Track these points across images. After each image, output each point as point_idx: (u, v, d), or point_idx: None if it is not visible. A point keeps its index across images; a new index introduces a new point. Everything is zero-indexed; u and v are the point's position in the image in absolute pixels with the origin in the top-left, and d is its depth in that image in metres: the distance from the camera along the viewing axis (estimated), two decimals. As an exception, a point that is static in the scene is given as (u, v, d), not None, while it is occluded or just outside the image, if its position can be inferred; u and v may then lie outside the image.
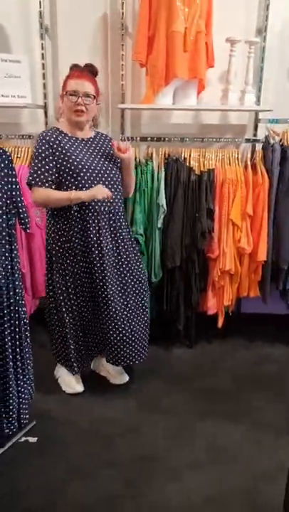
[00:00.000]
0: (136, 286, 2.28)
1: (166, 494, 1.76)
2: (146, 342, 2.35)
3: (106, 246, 2.13)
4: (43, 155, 2.03)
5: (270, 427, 2.14)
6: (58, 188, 2.07)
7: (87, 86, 2.04)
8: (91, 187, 2.05)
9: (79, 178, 2.04)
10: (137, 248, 2.34)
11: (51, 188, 2.05)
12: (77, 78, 2.04)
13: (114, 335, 2.21)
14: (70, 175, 2.04)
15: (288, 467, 1.55)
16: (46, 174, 2.03)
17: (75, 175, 2.03)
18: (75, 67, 2.11)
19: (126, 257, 2.24)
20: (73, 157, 2.05)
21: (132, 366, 2.59)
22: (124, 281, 2.23)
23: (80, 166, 2.04)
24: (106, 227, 2.13)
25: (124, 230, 2.23)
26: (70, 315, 2.23)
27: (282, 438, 2.07)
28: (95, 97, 2.07)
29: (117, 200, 2.16)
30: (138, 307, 2.29)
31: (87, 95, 2.04)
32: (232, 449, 2.00)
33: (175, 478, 1.83)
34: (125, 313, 2.23)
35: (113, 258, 2.19)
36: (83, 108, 2.04)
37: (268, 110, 2.68)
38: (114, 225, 2.17)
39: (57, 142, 2.05)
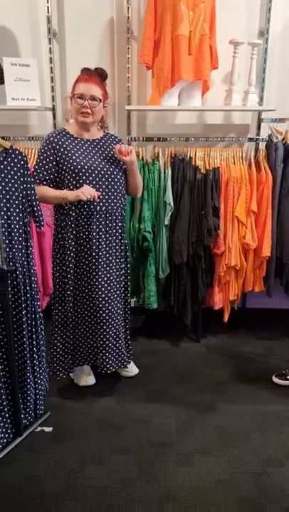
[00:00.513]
0: (120, 290, 2.34)
1: (179, 477, 1.84)
2: (127, 347, 2.48)
3: (98, 246, 2.18)
4: (44, 155, 2.12)
5: (275, 416, 2.23)
6: (60, 186, 2.15)
7: (94, 89, 2.09)
8: (88, 186, 2.11)
9: (77, 178, 2.10)
10: (127, 253, 2.38)
11: (49, 186, 2.14)
12: (85, 82, 2.10)
13: (100, 338, 2.30)
14: (70, 174, 2.11)
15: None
16: (45, 173, 2.12)
17: (74, 174, 2.10)
18: (84, 71, 2.18)
19: (115, 258, 2.27)
20: (74, 157, 2.11)
21: (142, 360, 2.69)
22: (110, 284, 2.27)
23: (79, 166, 2.10)
24: (100, 227, 2.18)
25: (118, 231, 2.27)
26: (61, 314, 2.30)
27: (286, 427, 2.15)
28: (101, 100, 2.13)
29: (116, 201, 2.21)
30: (120, 312, 2.36)
31: (93, 98, 2.09)
32: (240, 437, 2.08)
33: (186, 463, 1.91)
34: (109, 314, 2.29)
35: (104, 259, 2.23)
36: (89, 110, 2.10)
37: (271, 110, 2.76)
38: (110, 224, 2.22)
39: (60, 143, 2.12)
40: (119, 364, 2.39)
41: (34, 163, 2.19)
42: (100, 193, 2.12)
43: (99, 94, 2.11)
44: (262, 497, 1.75)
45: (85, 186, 2.09)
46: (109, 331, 2.29)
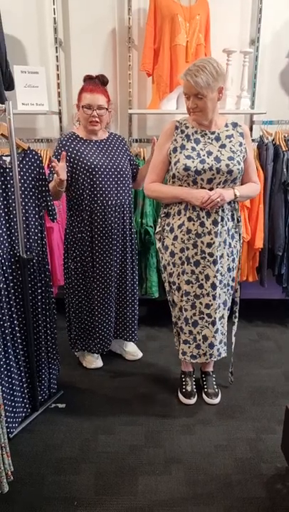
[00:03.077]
0: (131, 274, 2.59)
1: (182, 443, 2.05)
2: (135, 325, 2.69)
3: (112, 236, 2.41)
4: (58, 157, 2.28)
5: (268, 390, 2.44)
6: (74, 185, 2.33)
7: (100, 99, 2.26)
8: (102, 183, 2.31)
9: (91, 176, 2.30)
10: (135, 241, 2.63)
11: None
12: (91, 92, 2.25)
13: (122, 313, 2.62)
14: (84, 173, 2.30)
15: (284, 418, 1.85)
16: None
17: (88, 173, 2.29)
18: (88, 80, 2.32)
19: (127, 245, 2.51)
20: (87, 157, 2.30)
21: (146, 345, 2.89)
22: (123, 268, 2.54)
23: (92, 166, 2.29)
24: (112, 218, 2.39)
25: (128, 222, 2.49)
26: (76, 299, 2.52)
27: (280, 399, 2.36)
28: (107, 108, 2.30)
29: (124, 194, 2.41)
30: (130, 291, 2.62)
31: (100, 108, 2.26)
32: (237, 409, 2.30)
33: (189, 432, 2.12)
34: (125, 294, 2.60)
35: (120, 247, 2.48)
36: (97, 119, 2.28)
37: (262, 113, 2.99)
38: (120, 216, 2.43)
39: (72, 146, 2.31)
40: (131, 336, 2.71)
41: (44, 164, 2.38)
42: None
43: (104, 103, 2.28)
44: (257, 458, 1.96)
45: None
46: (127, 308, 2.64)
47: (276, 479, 1.85)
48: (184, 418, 2.23)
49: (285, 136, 2.93)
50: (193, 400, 2.35)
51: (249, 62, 2.93)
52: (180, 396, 2.38)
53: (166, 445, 2.04)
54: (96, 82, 2.32)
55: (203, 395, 2.38)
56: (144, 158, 2.95)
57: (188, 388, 2.39)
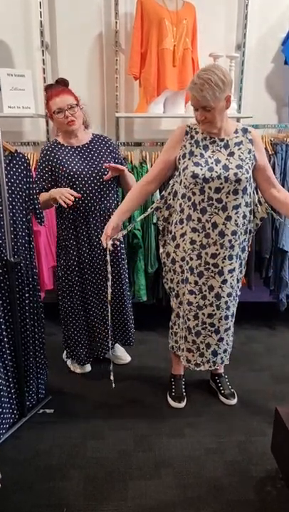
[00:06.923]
0: (119, 280, 2.55)
1: (171, 447, 2.04)
2: (131, 329, 2.68)
3: (96, 242, 2.39)
4: (41, 167, 2.32)
5: (257, 393, 2.45)
6: None
7: (68, 99, 2.25)
8: (83, 190, 2.29)
9: (71, 184, 2.28)
10: (123, 247, 2.57)
11: None
12: (56, 96, 2.25)
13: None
14: (65, 181, 2.29)
15: (273, 420, 1.85)
16: (43, 183, 2.32)
17: (68, 181, 2.28)
18: (49, 88, 2.32)
19: (120, 250, 2.50)
20: (67, 165, 2.29)
21: (134, 349, 2.88)
22: (118, 274, 2.52)
23: (72, 173, 2.28)
24: (97, 224, 2.38)
25: None
26: (68, 306, 2.49)
27: (269, 402, 2.37)
28: (77, 104, 2.28)
29: (108, 199, 2.39)
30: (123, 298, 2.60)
31: (70, 107, 2.25)
32: (226, 412, 2.30)
33: (178, 436, 2.12)
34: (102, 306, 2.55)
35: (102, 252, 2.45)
36: (72, 118, 2.26)
37: (248, 117, 3.02)
38: (105, 221, 2.38)
39: (53, 154, 2.30)
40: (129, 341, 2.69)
41: (33, 167, 2.36)
42: (78, 195, 2.24)
43: (73, 101, 2.26)
44: (247, 461, 1.96)
45: (62, 189, 2.22)
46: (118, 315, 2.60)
47: (266, 481, 1.85)
48: (173, 422, 2.22)
49: (271, 140, 2.96)
50: (182, 404, 2.34)
51: (235, 67, 2.96)
52: (169, 400, 2.37)
53: (156, 449, 2.03)
54: (58, 86, 2.32)
55: (221, 397, 2.39)
56: (131, 161, 2.94)
57: (178, 392, 2.39)
